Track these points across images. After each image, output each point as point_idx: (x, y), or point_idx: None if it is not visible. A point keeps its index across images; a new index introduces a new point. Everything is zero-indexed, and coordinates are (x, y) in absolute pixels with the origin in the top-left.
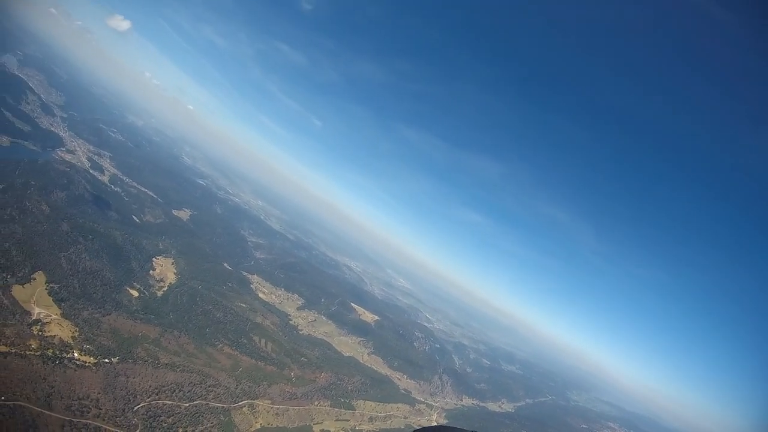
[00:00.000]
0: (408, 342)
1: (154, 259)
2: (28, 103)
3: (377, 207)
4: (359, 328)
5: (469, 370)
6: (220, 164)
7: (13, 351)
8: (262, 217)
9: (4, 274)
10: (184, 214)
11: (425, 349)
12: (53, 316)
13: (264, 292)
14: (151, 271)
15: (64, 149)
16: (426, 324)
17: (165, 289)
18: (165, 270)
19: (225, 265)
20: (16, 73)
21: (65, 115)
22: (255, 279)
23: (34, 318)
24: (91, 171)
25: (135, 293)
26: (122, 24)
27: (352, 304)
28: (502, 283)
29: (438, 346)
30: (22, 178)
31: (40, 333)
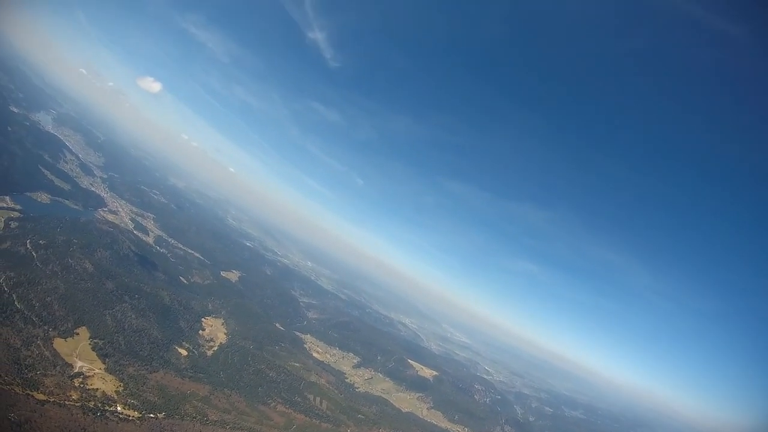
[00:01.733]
0: (468, 395)
1: (203, 319)
2: (67, 162)
3: (428, 262)
4: (417, 384)
5: (531, 418)
6: (266, 225)
7: (51, 400)
8: (312, 278)
9: (46, 327)
10: (233, 276)
11: (486, 401)
12: (96, 370)
13: (318, 352)
14: (200, 331)
15: (106, 209)
16: (485, 376)
17: (215, 348)
18: (215, 330)
19: (277, 325)
20: (52, 131)
21: (105, 176)
22: (308, 339)
23: (75, 371)
24: (135, 232)
25: (184, 352)
26: (153, 85)
27: (409, 360)
28: (560, 329)
29: (499, 397)
30: (63, 236)
31: (81, 385)
